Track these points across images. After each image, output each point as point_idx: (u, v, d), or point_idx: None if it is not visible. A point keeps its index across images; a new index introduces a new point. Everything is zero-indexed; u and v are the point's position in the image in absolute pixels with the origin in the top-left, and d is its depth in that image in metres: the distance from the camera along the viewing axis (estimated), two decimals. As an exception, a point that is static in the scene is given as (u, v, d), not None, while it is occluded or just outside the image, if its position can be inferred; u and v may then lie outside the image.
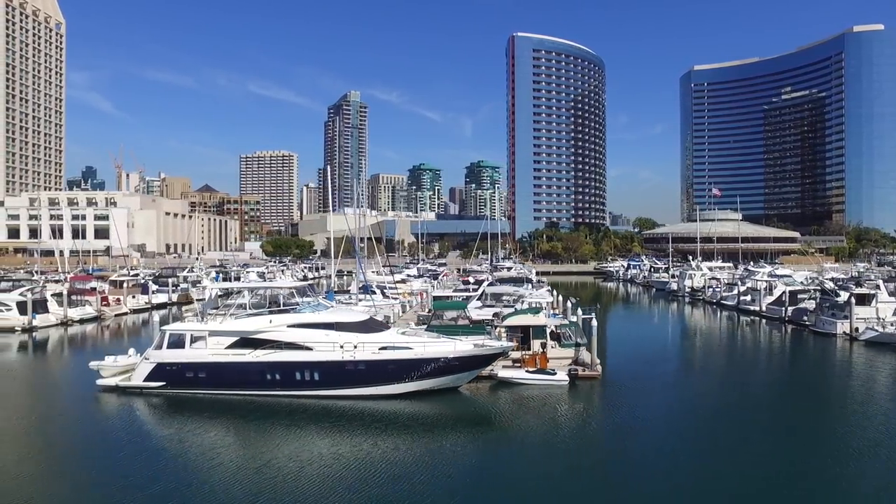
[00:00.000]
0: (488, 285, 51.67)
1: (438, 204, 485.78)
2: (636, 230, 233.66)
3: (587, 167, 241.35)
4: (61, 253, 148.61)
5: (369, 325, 32.52)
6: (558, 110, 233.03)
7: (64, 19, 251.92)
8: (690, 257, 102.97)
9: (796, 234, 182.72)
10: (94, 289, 67.28)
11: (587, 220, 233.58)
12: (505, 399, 32.41)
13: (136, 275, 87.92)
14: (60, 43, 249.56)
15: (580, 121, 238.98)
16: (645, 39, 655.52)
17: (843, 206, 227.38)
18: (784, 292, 63.58)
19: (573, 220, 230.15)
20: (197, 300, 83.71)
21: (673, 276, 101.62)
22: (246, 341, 31.30)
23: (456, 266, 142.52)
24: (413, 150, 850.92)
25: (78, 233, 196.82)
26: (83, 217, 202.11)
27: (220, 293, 36.49)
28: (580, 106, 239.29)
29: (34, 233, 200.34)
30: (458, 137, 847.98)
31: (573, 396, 33.30)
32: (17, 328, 54.30)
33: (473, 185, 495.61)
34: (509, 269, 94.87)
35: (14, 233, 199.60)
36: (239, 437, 26.17)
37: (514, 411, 30.82)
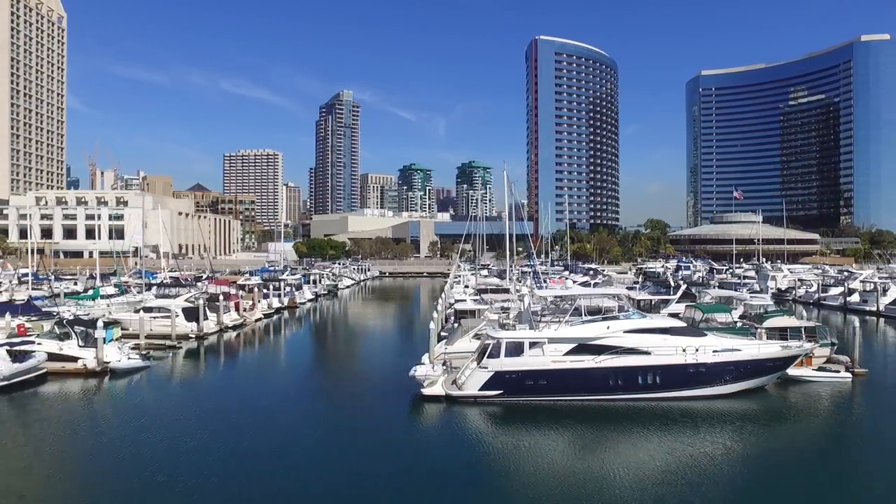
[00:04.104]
0: (687, 289, 52.99)
1: (429, 205, 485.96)
2: (646, 230, 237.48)
3: (603, 169, 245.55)
4: (110, 253, 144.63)
5: (693, 330, 33.45)
6: (578, 112, 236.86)
7: (65, 13, 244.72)
8: (764, 259, 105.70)
9: (816, 237, 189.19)
10: (232, 294, 65.99)
11: (603, 222, 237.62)
12: (811, 396, 33.76)
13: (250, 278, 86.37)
14: (62, 37, 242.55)
15: (597, 123, 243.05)
16: (644, 42, 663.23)
17: (851, 208, 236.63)
18: (913, 293, 66.28)
19: (590, 221, 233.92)
20: (298, 303, 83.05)
21: (744, 278, 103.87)
22: (583, 347, 31.76)
23: (499, 268, 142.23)
24: (387, 149, 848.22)
25: (91, 233, 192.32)
26: (98, 217, 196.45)
27: (550, 300, 36.56)
28: (596, 108, 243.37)
29: (46, 233, 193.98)
30: (432, 137, 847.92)
31: (863, 393, 34.77)
32: (191, 335, 53.15)
33: (465, 186, 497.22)
34: (596, 272, 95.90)
35: (25, 233, 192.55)
36: (596, 441, 26.70)
37: (827, 407, 32.40)
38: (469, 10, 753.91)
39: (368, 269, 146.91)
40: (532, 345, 31.79)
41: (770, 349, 33.03)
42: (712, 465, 23.49)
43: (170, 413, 30.75)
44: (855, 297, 74.76)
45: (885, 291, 70.93)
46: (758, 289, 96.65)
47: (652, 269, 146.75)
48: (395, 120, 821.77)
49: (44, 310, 54.07)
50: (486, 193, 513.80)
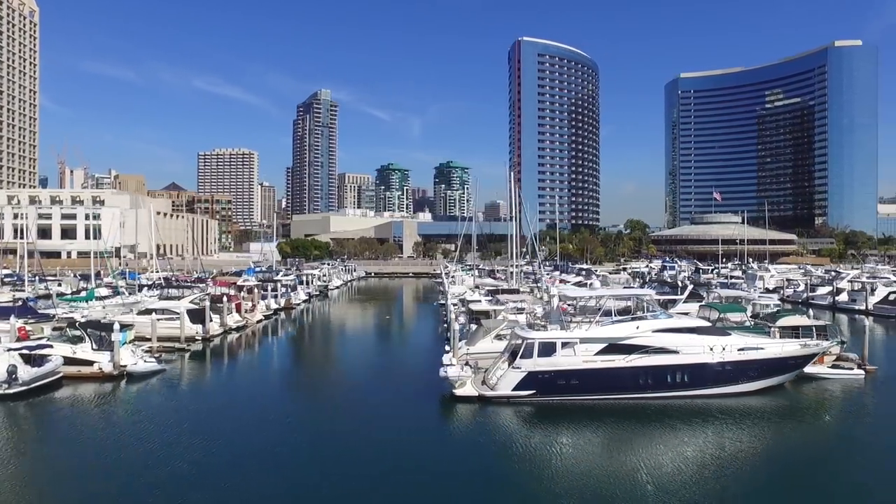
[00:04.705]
0: (693, 289, 53.93)
1: (407, 205, 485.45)
2: (627, 231, 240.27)
3: (584, 170, 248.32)
4: (90, 254, 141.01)
5: (719, 329, 34.19)
6: (560, 114, 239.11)
7: (38, 6, 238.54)
8: (750, 259, 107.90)
9: (793, 237, 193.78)
10: (233, 295, 65.13)
11: (584, 222, 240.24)
12: (831, 392, 34.74)
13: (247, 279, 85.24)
14: (34, 32, 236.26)
15: (578, 124, 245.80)
16: (623, 44, 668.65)
17: (825, 209, 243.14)
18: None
19: (571, 221, 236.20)
20: (294, 304, 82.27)
21: (731, 278, 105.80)
22: (613, 347, 32.19)
23: (488, 268, 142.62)
24: (361, 149, 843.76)
25: (67, 233, 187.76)
26: (73, 217, 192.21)
27: (575, 300, 36.84)
28: (577, 110, 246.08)
29: (18, 233, 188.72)
30: (406, 137, 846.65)
31: (879, 388, 35.82)
32: (196, 337, 52.32)
33: (443, 186, 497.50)
34: (589, 272, 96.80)
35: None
36: (631, 439, 26.96)
37: (850, 403, 33.31)
38: (442, 11, 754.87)
39: (354, 270, 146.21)
40: (564, 345, 32.11)
41: (791, 347, 33.89)
42: (749, 460, 24.08)
43: (198, 418, 30.25)
44: (843, 297, 76.66)
45: (873, 291, 72.85)
46: (744, 287, 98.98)
47: (637, 270, 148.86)
48: (368, 119, 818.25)
49: (40, 312, 52.89)
50: (464, 193, 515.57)
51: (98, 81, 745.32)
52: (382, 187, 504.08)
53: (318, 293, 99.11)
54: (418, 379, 39.16)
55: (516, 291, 51.75)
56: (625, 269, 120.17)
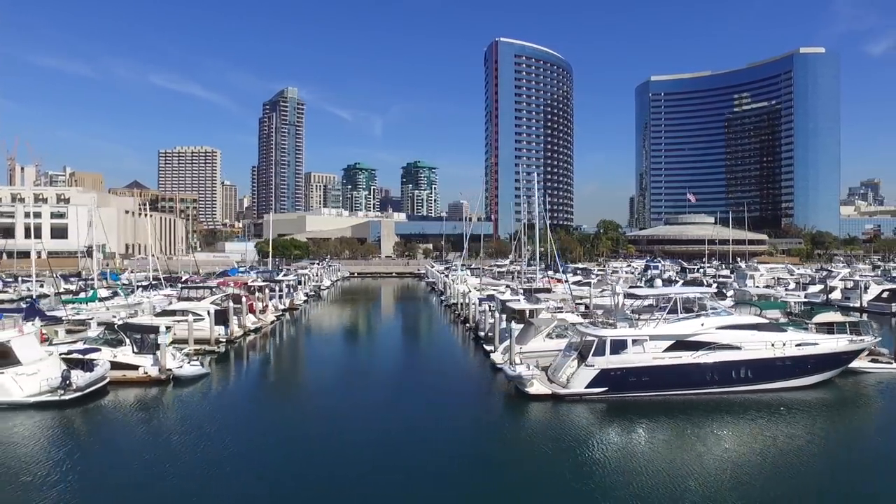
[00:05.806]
0: (718, 288, 55.18)
1: (374, 204, 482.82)
2: (600, 231, 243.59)
3: (558, 170, 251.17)
4: (57, 254, 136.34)
5: (776, 325, 35.24)
6: (537, 115, 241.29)
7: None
8: (739, 258, 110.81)
9: (765, 237, 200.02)
10: (248, 296, 63.83)
11: (558, 222, 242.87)
12: (879, 385, 35.95)
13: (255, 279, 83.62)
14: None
15: (552, 125, 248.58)
16: (595, 46, 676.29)
17: (792, 211, 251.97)
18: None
19: (547, 221, 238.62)
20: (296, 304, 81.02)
21: (715, 277, 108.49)
22: (680, 343, 32.83)
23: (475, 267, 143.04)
24: (322, 148, 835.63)
25: (30, 233, 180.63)
26: (38, 215, 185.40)
27: (642, 300, 37.25)
28: (552, 110, 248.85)
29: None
30: (368, 137, 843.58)
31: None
32: (221, 339, 51.12)
33: (410, 186, 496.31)
34: (588, 271, 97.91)
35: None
36: (711, 434, 27.32)
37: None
38: (405, 12, 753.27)
39: (339, 270, 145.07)
40: (634, 342, 32.59)
41: (843, 343, 35.14)
42: (822, 451, 25.03)
43: (262, 423, 29.43)
44: (836, 294, 79.28)
45: (866, 288, 75.57)
46: (736, 286, 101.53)
47: (622, 269, 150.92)
48: (330, 118, 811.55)
49: (48, 314, 51.18)
50: (431, 193, 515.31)
51: (50, 76, 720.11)
52: (349, 187, 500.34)
53: (312, 293, 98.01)
54: (467, 377, 39.34)
55: (549, 290, 52.19)
56: (625, 269, 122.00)
